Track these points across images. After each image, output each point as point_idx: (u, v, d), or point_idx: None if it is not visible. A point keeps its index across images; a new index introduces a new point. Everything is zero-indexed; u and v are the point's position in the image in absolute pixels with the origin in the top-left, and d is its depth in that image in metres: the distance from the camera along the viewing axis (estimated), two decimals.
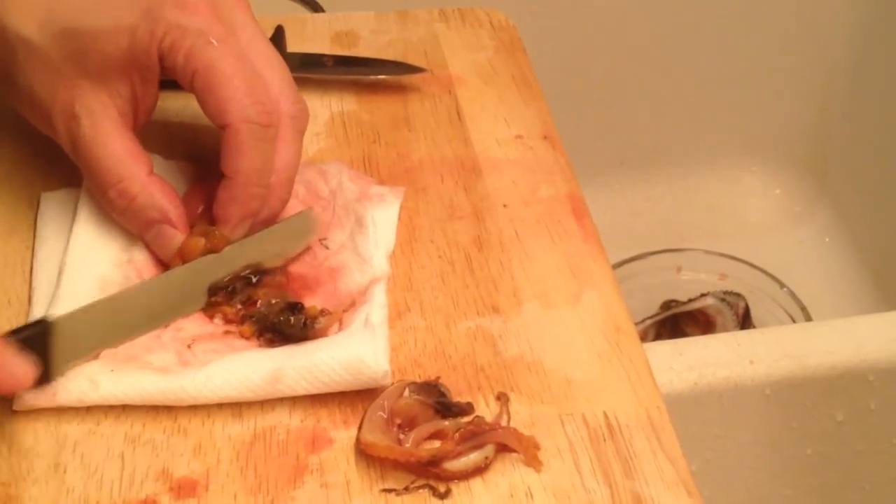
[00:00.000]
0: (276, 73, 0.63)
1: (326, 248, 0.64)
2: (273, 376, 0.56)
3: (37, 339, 0.54)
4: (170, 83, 0.62)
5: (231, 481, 0.54)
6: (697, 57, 1.44)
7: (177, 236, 0.61)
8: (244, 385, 0.56)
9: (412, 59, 0.80)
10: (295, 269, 0.64)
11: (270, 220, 0.64)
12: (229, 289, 0.61)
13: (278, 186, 0.62)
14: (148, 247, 0.62)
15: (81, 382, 0.56)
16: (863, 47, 1.42)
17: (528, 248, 0.66)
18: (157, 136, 0.68)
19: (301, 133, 0.64)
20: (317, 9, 1.05)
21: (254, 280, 0.61)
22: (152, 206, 0.61)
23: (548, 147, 0.74)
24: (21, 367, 0.53)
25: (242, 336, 0.60)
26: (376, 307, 0.59)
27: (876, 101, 1.42)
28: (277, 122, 0.61)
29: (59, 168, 0.68)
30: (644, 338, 1.24)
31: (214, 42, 0.60)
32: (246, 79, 0.60)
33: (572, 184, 0.71)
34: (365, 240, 0.63)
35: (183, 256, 0.61)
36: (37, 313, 0.60)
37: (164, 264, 0.62)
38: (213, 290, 0.61)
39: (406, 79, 0.78)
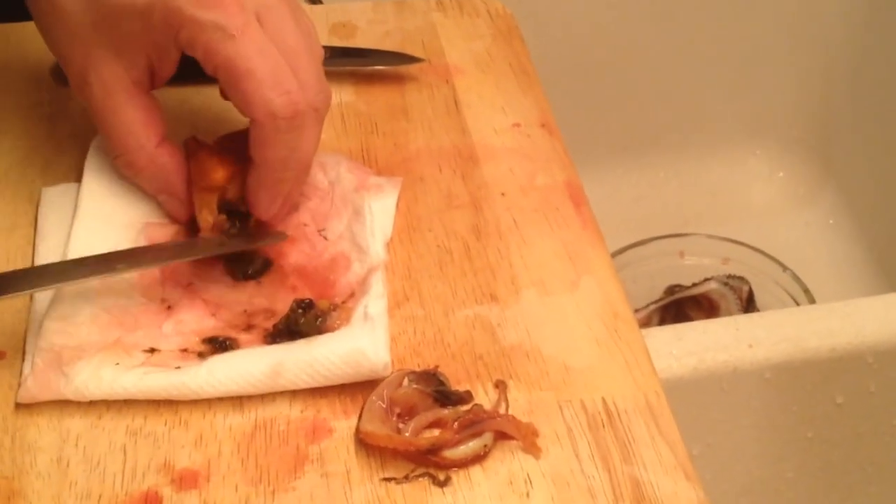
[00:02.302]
0: (301, 60, 0.61)
1: (325, 238, 0.65)
2: (274, 370, 0.56)
3: None
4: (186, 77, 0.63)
5: (232, 472, 0.54)
6: (699, 40, 1.44)
7: (180, 208, 0.63)
8: (245, 380, 0.56)
9: (410, 49, 0.80)
10: (294, 260, 0.64)
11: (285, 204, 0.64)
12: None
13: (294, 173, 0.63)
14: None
15: (86, 377, 0.56)
16: (864, 28, 1.42)
17: (526, 236, 0.66)
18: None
19: (321, 121, 0.63)
20: (315, 0, 1.05)
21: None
22: (158, 179, 0.63)
23: (545, 135, 0.74)
24: None
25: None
26: (374, 297, 0.60)
27: (878, 82, 1.41)
28: (304, 109, 0.60)
29: (59, 163, 0.69)
30: (648, 323, 1.24)
31: (234, 35, 0.58)
32: (269, 71, 0.59)
33: (570, 171, 0.71)
34: (362, 229, 0.64)
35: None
36: (39, 309, 0.60)
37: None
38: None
39: (403, 69, 0.78)
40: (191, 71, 0.62)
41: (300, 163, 0.62)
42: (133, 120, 0.62)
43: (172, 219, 0.65)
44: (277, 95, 0.59)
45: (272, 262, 0.63)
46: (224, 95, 0.62)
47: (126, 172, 0.64)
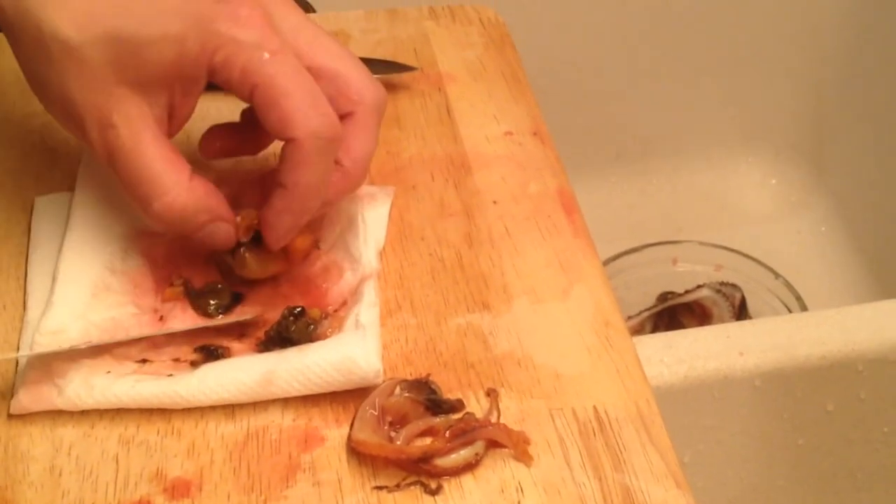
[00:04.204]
0: (350, 65, 0.62)
1: (318, 248, 0.65)
2: (265, 378, 0.57)
3: None
4: None
5: (224, 481, 0.54)
6: (691, 47, 1.44)
7: (230, 230, 0.61)
8: (237, 387, 0.57)
9: (402, 58, 0.80)
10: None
11: (335, 203, 0.63)
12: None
13: (354, 172, 0.62)
14: (145, 251, 0.63)
15: (77, 387, 0.56)
16: (856, 35, 1.42)
17: (518, 244, 0.67)
18: None
19: (380, 121, 0.63)
20: (308, 9, 1.05)
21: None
22: (203, 209, 0.59)
23: (537, 143, 0.74)
24: None
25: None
26: (366, 306, 0.60)
27: (870, 89, 1.42)
28: (340, 132, 0.60)
29: (53, 172, 0.69)
30: (641, 330, 1.24)
31: (269, 55, 0.58)
32: (308, 91, 0.58)
33: (562, 179, 0.72)
34: (356, 239, 0.64)
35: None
36: (32, 318, 0.60)
37: (159, 271, 0.63)
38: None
39: (396, 77, 0.78)
40: None
41: (357, 163, 0.61)
42: (164, 157, 0.58)
43: (217, 249, 0.62)
44: (317, 115, 0.58)
45: (243, 296, 0.62)
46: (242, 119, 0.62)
47: (167, 215, 0.59)
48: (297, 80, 0.58)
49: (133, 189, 0.59)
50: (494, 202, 0.69)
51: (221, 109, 0.68)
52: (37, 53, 0.58)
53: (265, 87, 0.57)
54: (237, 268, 0.62)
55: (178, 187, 0.58)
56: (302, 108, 0.58)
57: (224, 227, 0.61)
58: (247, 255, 0.62)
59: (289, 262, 0.62)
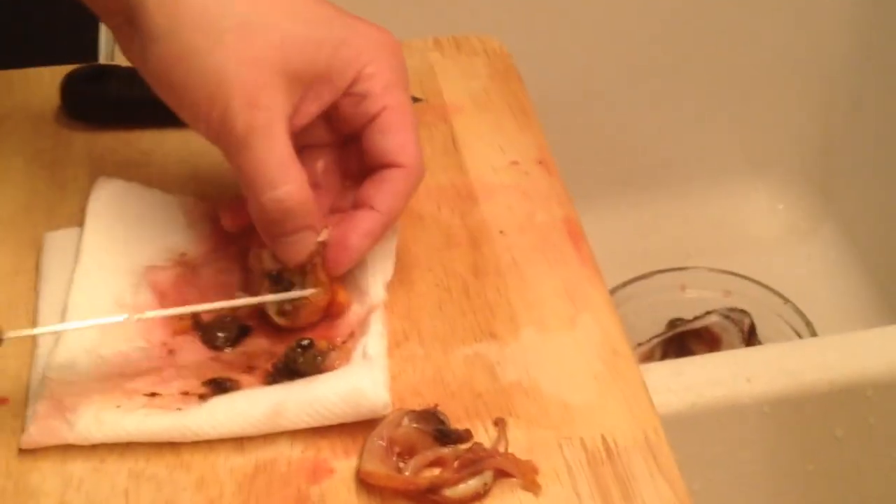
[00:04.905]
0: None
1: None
2: (274, 411, 0.57)
3: None
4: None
5: None
6: (698, 75, 1.45)
7: (314, 245, 0.61)
8: (246, 420, 0.57)
9: None
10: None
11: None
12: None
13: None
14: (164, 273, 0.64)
15: (88, 421, 0.56)
16: (864, 63, 1.43)
17: (525, 274, 0.67)
18: (156, 174, 0.70)
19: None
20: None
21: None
22: (309, 213, 0.60)
23: (543, 172, 0.75)
24: None
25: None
26: (374, 336, 0.60)
27: (878, 115, 1.42)
28: None
29: (62, 208, 0.70)
30: (650, 357, 1.24)
31: (406, 85, 0.63)
32: (418, 130, 0.63)
33: (568, 208, 0.72)
34: (363, 272, 0.64)
35: None
36: (42, 353, 0.60)
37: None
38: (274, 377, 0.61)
39: None
40: None
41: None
42: (292, 151, 0.60)
43: (291, 262, 0.62)
44: (421, 153, 0.63)
45: (251, 328, 0.63)
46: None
47: (282, 206, 0.59)
48: (414, 117, 0.63)
49: (260, 171, 0.59)
50: (501, 232, 0.70)
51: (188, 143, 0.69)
52: (198, 21, 0.59)
53: (395, 110, 0.62)
54: (279, 317, 0.62)
55: (300, 181, 0.60)
56: (417, 141, 0.63)
57: (312, 238, 0.61)
58: (295, 305, 0.62)
59: (327, 315, 0.63)
